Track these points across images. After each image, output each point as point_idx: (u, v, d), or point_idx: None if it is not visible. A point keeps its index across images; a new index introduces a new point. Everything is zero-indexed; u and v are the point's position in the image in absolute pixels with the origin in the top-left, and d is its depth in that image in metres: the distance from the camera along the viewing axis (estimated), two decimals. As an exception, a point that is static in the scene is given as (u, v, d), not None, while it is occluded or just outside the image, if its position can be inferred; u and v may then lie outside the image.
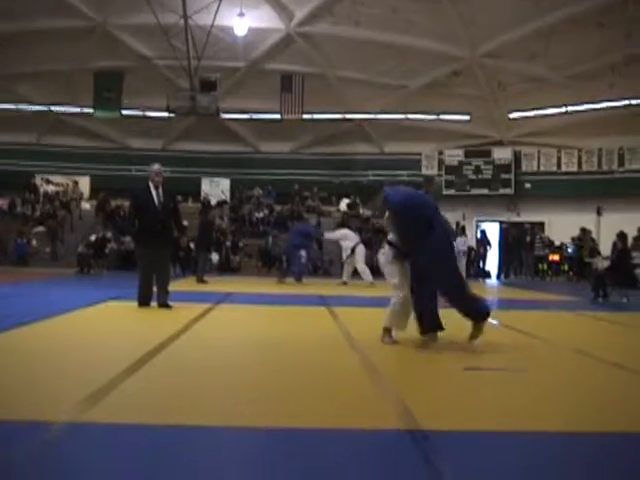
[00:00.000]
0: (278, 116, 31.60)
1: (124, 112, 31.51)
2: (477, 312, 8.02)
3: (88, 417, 4.46)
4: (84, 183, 33.40)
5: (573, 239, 28.05)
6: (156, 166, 11.77)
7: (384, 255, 8.45)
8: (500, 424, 4.77)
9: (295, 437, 4.30)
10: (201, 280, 19.08)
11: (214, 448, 4.05)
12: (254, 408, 4.99)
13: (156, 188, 11.56)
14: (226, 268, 26.36)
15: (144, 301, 11.50)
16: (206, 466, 3.70)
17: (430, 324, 8.10)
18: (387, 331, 8.21)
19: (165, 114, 30.27)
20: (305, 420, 4.67)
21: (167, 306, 11.44)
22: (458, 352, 7.71)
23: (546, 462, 3.98)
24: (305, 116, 31.67)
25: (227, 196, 32.56)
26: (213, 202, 28.62)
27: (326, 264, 26.78)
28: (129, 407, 4.83)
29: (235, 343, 8.18)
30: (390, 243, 8.38)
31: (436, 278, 8.04)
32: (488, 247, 29.72)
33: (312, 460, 3.87)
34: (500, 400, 5.57)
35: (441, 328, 8.10)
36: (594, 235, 27.05)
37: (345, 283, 20.14)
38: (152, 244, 11.42)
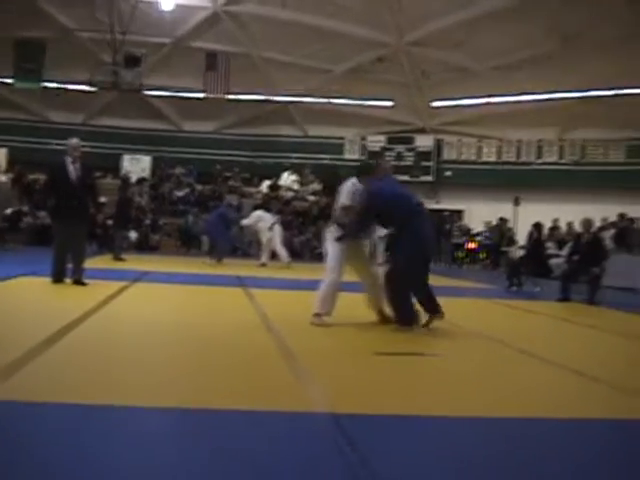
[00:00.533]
0: (202, 95, 31.31)
1: (45, 84, 30.81)
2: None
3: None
4: (1, 155, 32.61)
5: (489, 227, 28.47)
6: (74, 140, 11.60)
7: (331, 234, 8.64)
8: (411, 408, 4.85)
9: (208, 418, 4.30)
10: (118, 258, 18.83)
11: (126, 428, 4.03)
12: (168, 388, 4.97)
13: (74, 163, 11.36)
14: (145, 246, 26.03)
15: (58, 277, 11.33)
16: (117, 445, 3.67)
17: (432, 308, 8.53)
18: (317, 314, 8.46)
19: (87, 88, 29.73)
20: (219, 401, 4.67)
21: (82, 283, 11.31)
22: (373, 337, 7.80)
23: (453, 446, 4.06)
24: (229, 96, 31.42)
25: (148, 173, 32.15)
26: (133, 179, 28.23)
27: (245, 245, 26.69)
28: (36, 385, 4.76)
29: (150, 322, 8.11)
30: (339, 224, 8.55)
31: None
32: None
33: (223, 440, 3.88)
34: (411, 384, 5.66)
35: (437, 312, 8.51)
36: (511, 224, 27.48)
37: (264, 265, 20.12)
38: (68, 220, 11.26)
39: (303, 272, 18.05)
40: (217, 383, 5.23)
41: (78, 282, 11.31)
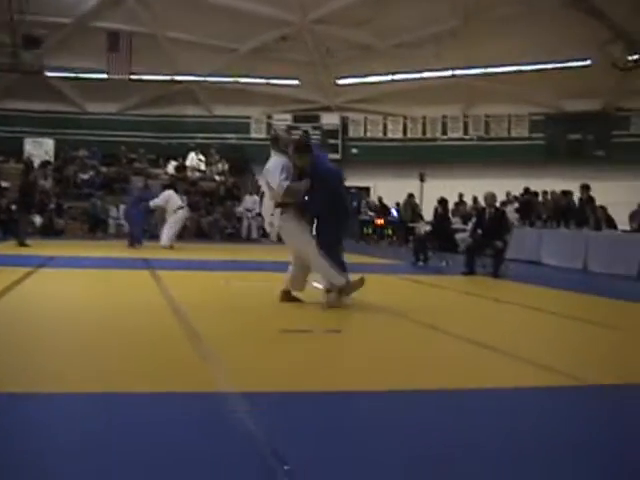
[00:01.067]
0: (105, 76, 30.77)
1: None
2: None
3: None
4: None
5: (397, 204, 28.77)
6: None
7: (278, 218, 8.68)
8: (314, 385, 4.88)
9: (112, 401, 4.26)
10: (22, 243, 18.41)
11: (29, 415, 3.98)
12: (72, 373, 4.91)
13: None
14: (50, 231, 25.53)
15: None
16: (21, 432, 3.61)
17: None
18: (286, 293, 8.75)
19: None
20: (124, 384, 4.64)
21: None
22: (278, 315, 7.81)
23: (356, 420, 4.11)
24: (133, 77, 30.99)
25: (51, 156, 31.46)
26: (36, 163, 27.61)
27: (153, 227, 26.39)
28: None
29: (53, 307, 7.99)
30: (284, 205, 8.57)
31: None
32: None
33: (129, 423, 3.85)
34: (315, 360, 5.69)
35: None
36: (417, 200, 27.78)
37: (171, 247, 19.88)
38: None
39: (210, 253, 18.00)
40: (122, 366, 5.19)
41: None
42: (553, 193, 22.35)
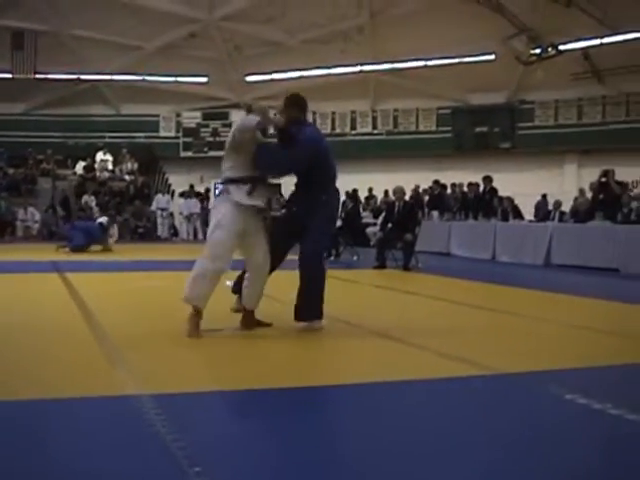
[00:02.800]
0: (9, 75, 30.16)
1: None
2: None
3: None
4: None
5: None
6: None
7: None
8: (221, 383, 4.92)
9: (16, 409, 4.22)
10: None
11: None
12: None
13: None
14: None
15: None
16: None
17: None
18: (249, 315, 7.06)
19: None
20: (27, 391, 4.59)
21: None
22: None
23: (266, 416, 4.16)
24: (38, 76, 30.44)
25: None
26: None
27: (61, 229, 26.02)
28: None
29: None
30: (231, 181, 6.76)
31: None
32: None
33: (34, 432, 3.82)
34: (222, 359, 5.71)
35: None
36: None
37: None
38: None
39: (123, 254, 17.86)
40: (26, 371, 5.13)
41: None
42: (461, 185, 22.75)
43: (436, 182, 23.88)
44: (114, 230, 19.89)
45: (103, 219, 19.71)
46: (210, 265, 6.46)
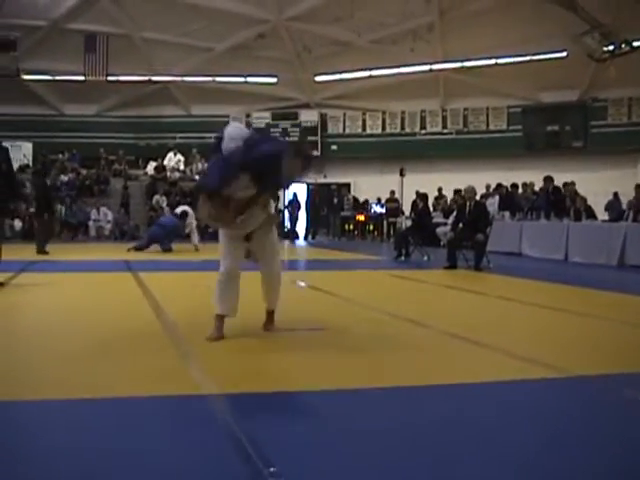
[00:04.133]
0: (82, 78, 30.68)
1: None
2: None
3: None
4: None
5: (379, 199, 28.92)
6: None
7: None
8: (298, 384, 4.88)
9: (98, 406, 4.25)
10: (41, 251, 17.24)
11: (32, 422, 3.97)
12: (59, 379, 4.90)
13: None
14: (31, 236, 25.32)
15: None
16: (27, 439, 3.60)
17: None
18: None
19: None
20: (114, 389, 4.63)
21: None
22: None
23: (341, 418, 4.11)
24: (110, 78, 30.92)
25: (30, 160, 31.27)
26: (15, 167, 27.37)
27: (132, 229, 26.38)
28: None
29: (44, 311, 7.96)
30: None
31: None
32: (298, 209, 30.23)
33: (114, 428, 3.84)
34: (301, 360, 5.68)
35: None
36: (397, 195, 27.89)
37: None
38: None
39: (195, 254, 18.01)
40: (110, 370, 5.17)
41: None
42: (532, 185, 22.50)
43: (499, 185, 23.71)
44: (194, 233, 19.79)
45: (184, 207, 19.81)
46: (220, 270, 6.37)
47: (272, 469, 3.17)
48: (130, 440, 3.66)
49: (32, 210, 20.03)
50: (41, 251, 17.27)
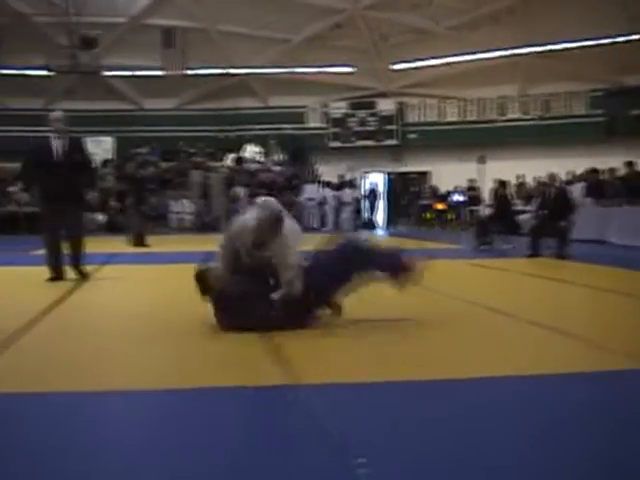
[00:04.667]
0: (160, 72, 31.08)
1: (1, 71, 30.33)
2: None
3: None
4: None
5: (456, 188, 28.68)
6: (57, 112, 10.24)
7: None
8: (386, 375, 4.84)
9: (181, 397, 4.28)
10: (137, 243, 17.49)
11: (121, 413, 4.04)
12: (145, 373, 4.95)
13: (58, 138, 9.90)
14: (113, 228, 25.74)
15: (56, 272, 9.89)
16: (115, 430, 3.64)
17: None
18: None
19: (45, 73, 29.45)
20: (201, 379, 4.66)
21: (82, 274, 10.16)
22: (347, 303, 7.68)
23: (432, 410, 4.06)
24: (188, 72, 31.26)
25: (111, 155, 31.76)
26: (97, 161, 27.84)
27: (214, 220, 26.59)
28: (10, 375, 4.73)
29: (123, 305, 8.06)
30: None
31: None
32: (378, 198, 30.16)
33: (201, 418, 3.86)
34: (387, 351, 5.63)
35: None
36: (477, 183, 27.60)
37: None
38: (56, 204, 9.72)
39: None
40: (200, 363, 5.21)
41: (79, 272, 10.16)
42: (618, 170, 22.03)
43: (593, 170, 23.27)
44: None
45: (264, 199, 19.84)
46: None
47: (361, 460, 3.13)
48: (215, 432, 3.66)
49: (119, 204, 20.14)
50: (139, 244, 17.49)
